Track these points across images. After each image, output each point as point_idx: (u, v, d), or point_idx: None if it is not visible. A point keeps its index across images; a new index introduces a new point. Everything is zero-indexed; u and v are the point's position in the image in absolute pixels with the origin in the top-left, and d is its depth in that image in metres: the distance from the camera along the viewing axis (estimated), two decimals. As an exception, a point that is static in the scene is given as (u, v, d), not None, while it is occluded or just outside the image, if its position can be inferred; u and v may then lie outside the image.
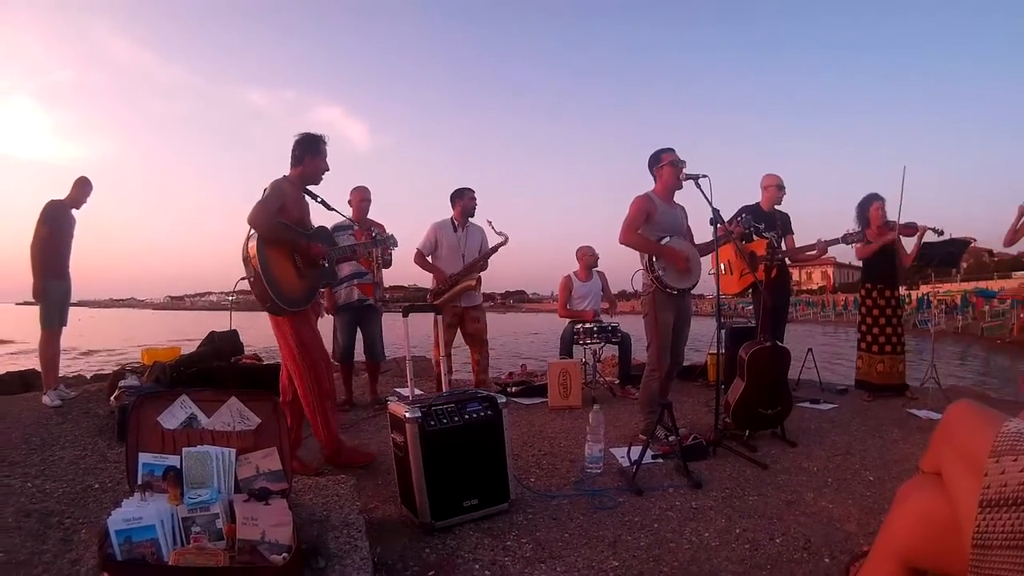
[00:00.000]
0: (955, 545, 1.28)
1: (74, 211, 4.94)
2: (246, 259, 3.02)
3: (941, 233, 5.24)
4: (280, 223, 3.06)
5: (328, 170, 3.33)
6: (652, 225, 3.89)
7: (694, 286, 3.98)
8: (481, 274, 5.28)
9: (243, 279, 3.06)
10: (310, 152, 3.24)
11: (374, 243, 3.77)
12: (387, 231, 4.76)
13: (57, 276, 4.77)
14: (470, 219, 5.28)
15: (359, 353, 5.27)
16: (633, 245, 3.90)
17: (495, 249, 5.22)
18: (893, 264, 5.31)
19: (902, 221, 5.16)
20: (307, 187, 3.33)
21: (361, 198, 5.10)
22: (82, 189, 4.92)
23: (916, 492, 1.50)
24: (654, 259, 3.81)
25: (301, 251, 3.12)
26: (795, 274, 8.85)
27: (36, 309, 4.73)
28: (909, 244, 5.37)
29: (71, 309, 4.98)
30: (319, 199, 3.39)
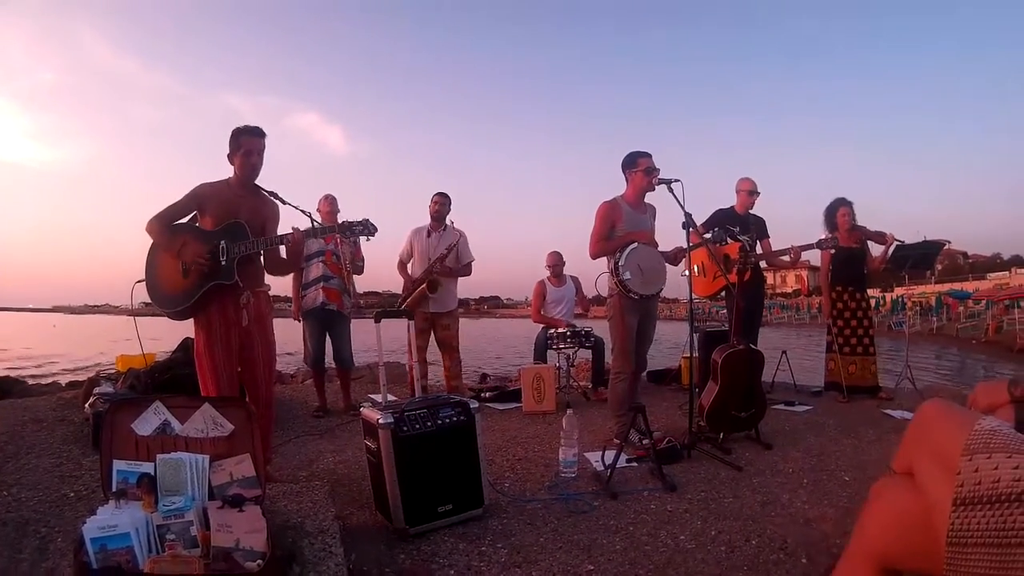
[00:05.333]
0: (929, 544, 1.28)
1: None
2: None
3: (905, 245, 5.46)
4: (168, 228, 3.00)
5: (256, 159, 3.10)
6: (616, 233, 3.92)
7: (659, 293, 4.00)
8: (456, 280, 5.29)
9: (139, 282, 3.03)
10: (231, 150, 3.09)
11: (341, 229, 3.30)
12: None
13: None
14: (448, 223, 5.28)
15: (330, 360, 5.25)
16: (603, 254, 3.96)
17: (448, 251, 5.12)
18: (861, 267, 5.47)
19: (872, 229, 5.39)
20: (254, 183, 3.16)
21: (329, 209, 5.09)
22: None
23: (888, 492, 1.50)
24: (619, 264, 3.81)
25: (176, 253, 2.98)
26: (769, 277, 8.96)
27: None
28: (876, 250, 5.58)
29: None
30: (276, 196, 3.19)
